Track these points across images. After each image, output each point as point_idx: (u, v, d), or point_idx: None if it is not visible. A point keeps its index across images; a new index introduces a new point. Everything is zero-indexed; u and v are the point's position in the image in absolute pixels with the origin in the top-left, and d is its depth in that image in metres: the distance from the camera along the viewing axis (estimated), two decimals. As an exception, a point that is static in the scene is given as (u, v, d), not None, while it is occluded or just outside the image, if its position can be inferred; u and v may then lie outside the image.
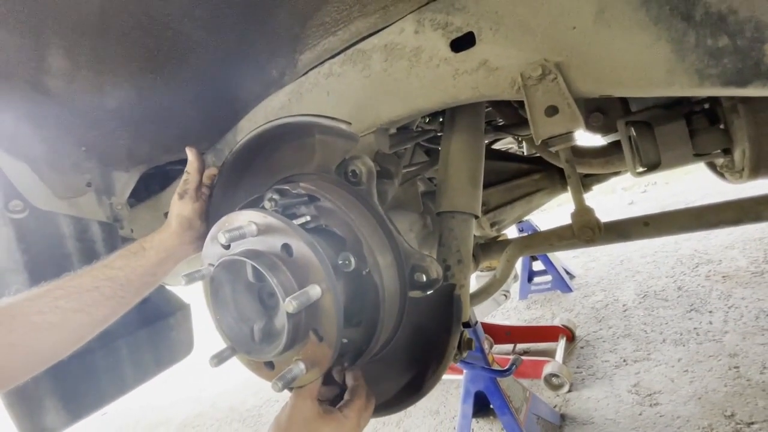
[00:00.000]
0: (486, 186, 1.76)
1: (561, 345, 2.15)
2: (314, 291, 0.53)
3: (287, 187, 0.65)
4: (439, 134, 1.31)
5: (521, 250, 0.95)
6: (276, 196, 0.67)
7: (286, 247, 0.57)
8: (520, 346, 2.29)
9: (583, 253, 3.89)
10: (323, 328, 0.57)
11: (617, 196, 5.55)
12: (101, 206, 1.21)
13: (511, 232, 3.36)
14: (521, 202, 1.73)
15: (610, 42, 0.65)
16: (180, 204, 0.79)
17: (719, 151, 0.89)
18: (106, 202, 1.21)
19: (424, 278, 0.68)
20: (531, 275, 3.35)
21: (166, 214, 1.42)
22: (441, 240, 0.91)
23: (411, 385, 0.70)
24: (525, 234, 3.18)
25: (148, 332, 1.30)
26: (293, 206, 0.66)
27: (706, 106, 0.94)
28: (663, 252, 3.22)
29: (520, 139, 2.65)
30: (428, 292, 0.68)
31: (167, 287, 1.47)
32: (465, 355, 0.84)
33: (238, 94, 1.03)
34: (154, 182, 1.36)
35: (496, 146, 2.43)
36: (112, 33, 0.77)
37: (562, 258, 3.62)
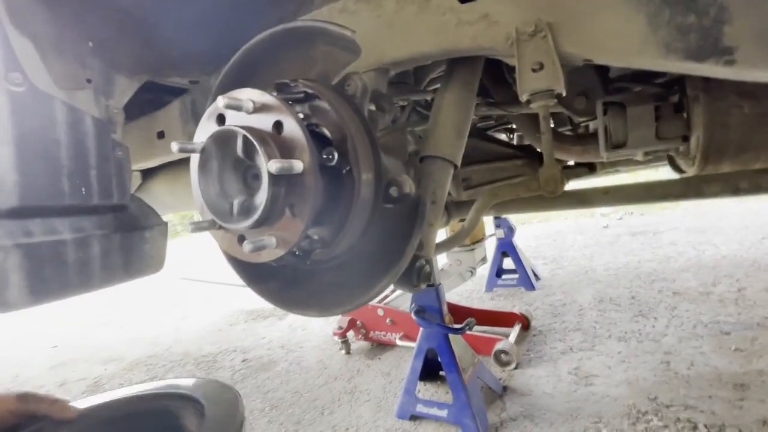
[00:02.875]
0: (471, 163, 1.84)
1: (515, 330, 2.27)
2: (297, 164, 0.59)
3: (287, 82, 0.70)
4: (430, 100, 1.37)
5: (490, 200, 1.02)
6: (274, 92, 0.72)
7: (277, 124, 0.62)
8: (478, 329, 2.40)
9: (552, 261, 4.06)
10: (299, 206, 0.62)
11: (595, 219, 5.78)
12: (97, 105, 1.22)
13: (489, 225, 3.49)
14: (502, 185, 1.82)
15: (597, 10, 0.72)
16: None
17: (679, 139, 0.98)
18: (102, 103, 1.23)
19: (398, 193, 0.75)
20: (500, 271, 3.48)
21: (158, 134, 1.44)
22: (420, 183, 0.97)
23: (366, 285, 0.76)
24: (501, 230, 3.33)
25: (123, 238, 1.32)
26: (289, 102, 0.71)
27: (676, 99, 1.03)
28: (625, 268, 3.41)
29: (511, 135, 2.75)
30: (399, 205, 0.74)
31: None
32: (422, 286, 0.90)
33: (252, 22, 1.07)
34: (149, 106, 1.38)
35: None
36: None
37: (533, 261, 3.78)
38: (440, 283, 1.67)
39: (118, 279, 1.38)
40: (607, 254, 3.99)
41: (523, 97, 0.81)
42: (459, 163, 1.00)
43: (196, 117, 1.31)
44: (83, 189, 1.18)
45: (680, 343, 1.92)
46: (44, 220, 1.12)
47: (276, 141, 0.61)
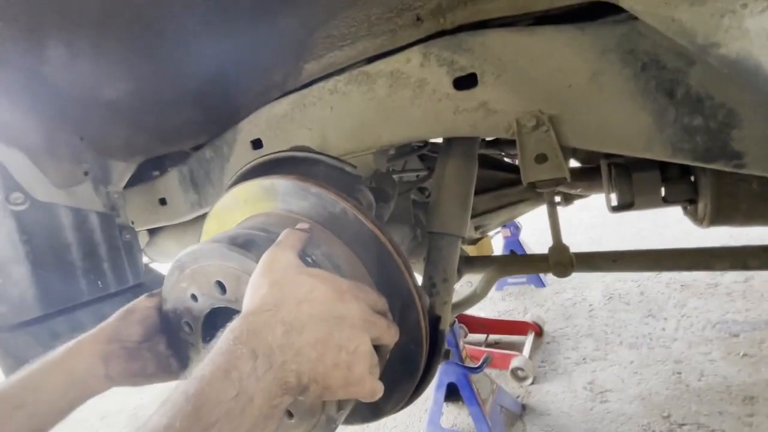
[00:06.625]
0: (475, 193, 1.83)
1: (529, 339, 2.32)
2: None
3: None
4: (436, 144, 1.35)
5: (500, 272, 1.03)
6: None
7: None
8: (492, 337, 2.46)
9: (559, 249, 4.07)
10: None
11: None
12: (98, 195, 1.22)
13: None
14: (506, 210, 1.81)
15: (599, 104, 0.70)
16: None
17: (687, 201, 0.98)
18: (103, 191, 1.23)
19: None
20: (508, 268, 3.51)
21: (160, 200, 1.43)
22: (429, 257, 0.98)
23: (393, 400, 0.78)
24: (508, 229, 3.33)
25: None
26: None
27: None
28: (632, 254, 3.42)
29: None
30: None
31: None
32: (443, 362, 0.93)
33: (240, 93, 1.04)
34: (149, 168, 1.37)
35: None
36: (113, 26, 0.76)
37: (540, 252, 3.77)
38: (455, 321, 1.71)
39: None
40: (615, 237, 3.99)
41: (526, 184, 0.80)
42: (465, 235, 1.01)
43: (195, 186, 1.31)
44: (99, 282, 1.20)
45: (690, 349, 1.95)
46: (67, 316, 1.14)
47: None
